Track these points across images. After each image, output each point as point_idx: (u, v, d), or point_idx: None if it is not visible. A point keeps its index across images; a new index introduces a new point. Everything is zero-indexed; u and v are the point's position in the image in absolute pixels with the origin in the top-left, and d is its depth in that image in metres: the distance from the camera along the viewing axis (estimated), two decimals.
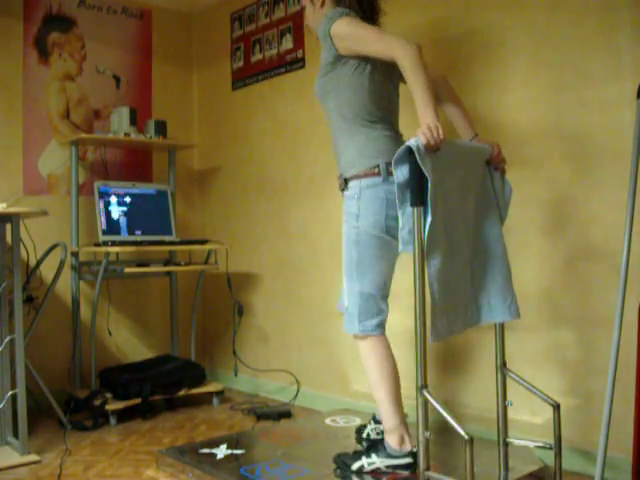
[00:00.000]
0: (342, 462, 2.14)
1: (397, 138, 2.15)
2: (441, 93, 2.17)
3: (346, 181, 2.12)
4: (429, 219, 1.75)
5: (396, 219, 1.98)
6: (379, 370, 2.07)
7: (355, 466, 2.09)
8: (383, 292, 2.12)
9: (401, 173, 1.79)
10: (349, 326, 2.12)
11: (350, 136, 2.11)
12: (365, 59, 2.06)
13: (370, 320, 2.08)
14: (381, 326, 2.11)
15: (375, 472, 2.06)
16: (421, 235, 1.76)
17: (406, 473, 2.02)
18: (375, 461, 2.06)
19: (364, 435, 2.37)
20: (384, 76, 2.12)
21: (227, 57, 3.89)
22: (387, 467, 2.05)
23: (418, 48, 1.89)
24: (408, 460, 2.04)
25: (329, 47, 2.09)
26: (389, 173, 2.01)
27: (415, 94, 1.86)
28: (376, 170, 2.04)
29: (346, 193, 2.13)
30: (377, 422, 2.36)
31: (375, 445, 2.14)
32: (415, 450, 1.98)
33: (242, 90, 3.80)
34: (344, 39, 2.04)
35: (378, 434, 2.29)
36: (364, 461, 2.08)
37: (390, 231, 2.05)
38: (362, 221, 2.05)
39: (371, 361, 2.09)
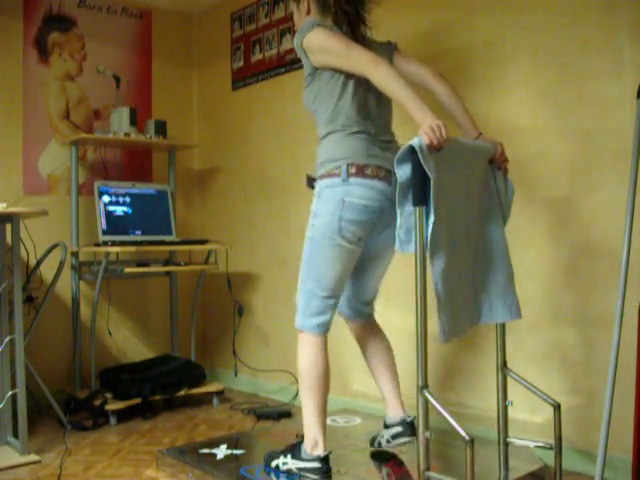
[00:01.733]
0: (267, 456, 2.21)
1: (373, 140, 2.09)
2: (439, 93, 2.15)
3: (314, 181, 2.15)
4: (432, 219, 1.74)
5: (352, 222, 2.01)
6: (308, 371, 2.07)
7: (273, 464, 2.15)
8: (330, 294, 2.09)
9: (403, 172, 1.78)
10: (296, 319, 2.13)
11: (324, 141, 2.14)
12: (340, 70, 2.05)
13: (310, 319, 2.08)
14: (321, 327, 2.09)
15: (289, 472, 2.10)
16: (423, 235, 1.75)
17: (316, 477, 2.03)
18: (288, 462, 2.11)
19: (376, 444, 2.32)
20: (364, 84, 2.08)
21: (227, 57, 3.89)
22: (298, 469, 2.08)
23: (387, 63, 1.91)
24: (316, 465, 2.04)
25: (305, 60, 2.10)
26: (350, 174, 2.02)
27: (402, 102, 1.84)
28: (336, 171, 2.05)
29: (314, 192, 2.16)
30: (386, 427, 2.29)
31: (293, 447, 2.15)
32: (325, 455, 2.04)
33: (242, 90, 3.80)
34: (315, 52, 2.04)
35: (388, 441, 2.25)
36: (280, 461, 2.13)
37: (343, 233, 2.02)
38: (318, 219, 2.06)
39: (302, 360, 2.09)
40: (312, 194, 2.15)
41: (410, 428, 2.20)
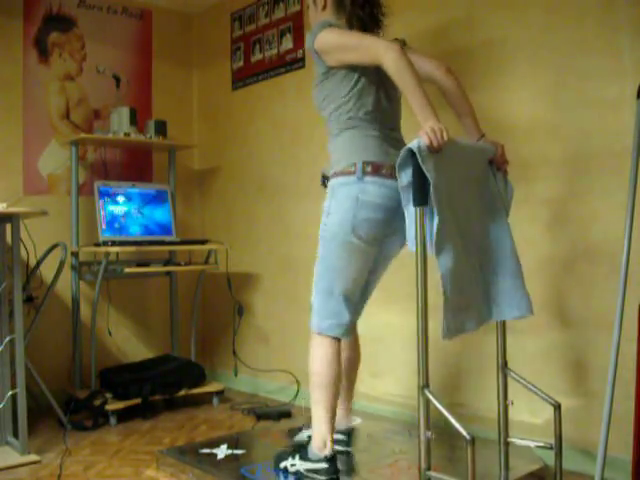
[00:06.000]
0: (277, 457, 2.20)
1: (385, 138, 2.09)
2: (444, 89, 2.15)
3: (327, 179, 2.13)
4: (436, 219, 1.76)
5: (367, 220, 1.99)
6: (321, 372, 2.06)
7: (282, 465, 2.14)
8: (345, 293, 2.07)
9: (405, 175, 1.80)
10: (312, 321, 2.11)
11: (337, 139, 2.12)
12: (354, 67, 2.04)
13: (326, 320, 2.06)
14: (337, 328, 2.07)
15: (296, 473, 2.10)
16: (423, 235, 1.77)
17: (323, 478, 2.03)
18: (296, 463, 2.10)
19: (299, 438, 2.39)
20: (377, 81, 2.09)
21: (227, 57, 3.89)
22: (306, 470, 2.07)
23: (400, 49, 1.87)
24: (323, 465, 2.04)
25: (317, 61, 2.09)
26: (365, 172, 2.00)
27: (409, 97, 1.85)
28: (352, 169, 2.02)
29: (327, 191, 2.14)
30: None
31: (301, 447, 2.16)
32: (332, 455, 2.04)
33: (242, 90, 3.80)
34: (328, 52, 2.03)
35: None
36: (288, 462, 2.12)
37: (357, 232, 2.00)
38: (331, 218, 2.04)
39: (316, 361, 2.07)
40: (319, 192, 2.14)
41: (350, 439, 2.39)
